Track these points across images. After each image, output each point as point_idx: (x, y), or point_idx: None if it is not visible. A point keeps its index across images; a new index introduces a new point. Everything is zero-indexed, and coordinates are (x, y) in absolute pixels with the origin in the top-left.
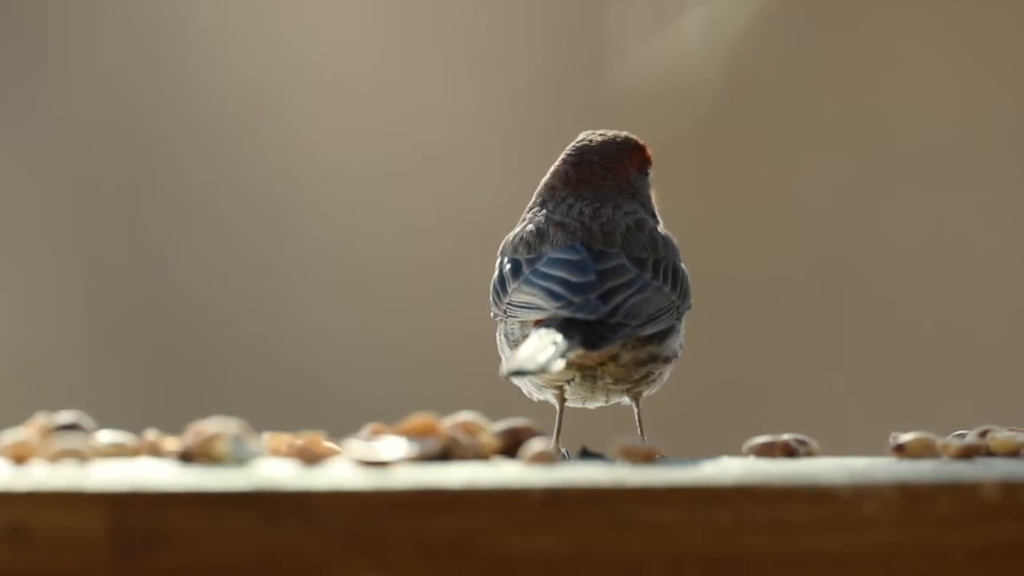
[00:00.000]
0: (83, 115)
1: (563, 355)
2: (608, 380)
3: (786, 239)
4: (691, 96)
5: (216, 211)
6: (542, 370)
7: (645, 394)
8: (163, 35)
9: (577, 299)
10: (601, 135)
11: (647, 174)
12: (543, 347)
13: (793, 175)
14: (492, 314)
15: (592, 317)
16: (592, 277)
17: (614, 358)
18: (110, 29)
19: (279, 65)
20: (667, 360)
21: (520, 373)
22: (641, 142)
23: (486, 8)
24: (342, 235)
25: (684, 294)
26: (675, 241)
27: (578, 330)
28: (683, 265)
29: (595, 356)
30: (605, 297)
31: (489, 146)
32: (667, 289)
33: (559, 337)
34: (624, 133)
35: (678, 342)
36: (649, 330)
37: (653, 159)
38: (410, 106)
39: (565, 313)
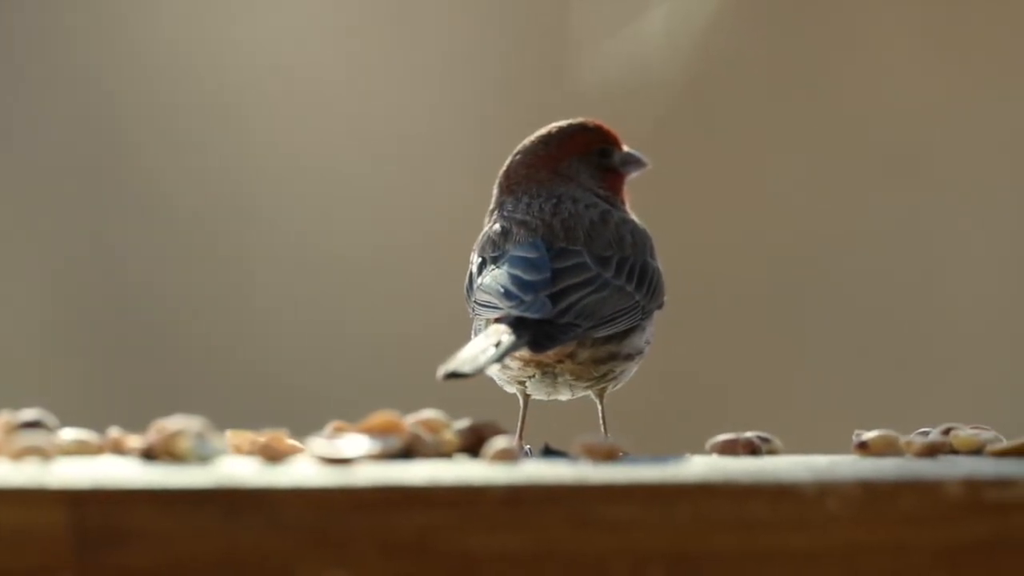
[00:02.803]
0: (45, 112)
1: (501, 357)
2: (568, 377)
3: (749, 237)
4: (655, 93)
5: (178, 207)
6: (478, 372)
7: (609, 390)
8: (128, 32)
9: (528, 298)
10: (545, 130)
11: (602, 154)
12: (484, 348)
13: (757, 173)
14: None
15: (538, 316)
16: (546, 275)
17: (571, 356)
18: (74, 26)
19: (243, 63)
20: (629, 357)
21: (456, 375)
22: (581, 124)
23: (450, 5)
24: (303, 232)
25: (652, 293)
26: (648, 233)
27: (527, 330)
28: (655, 261)
29: (551, 355)
30: (558, 296)
31: (453, 143)
32: (630, 288)
33: (504, 338)
34: (567, 121)
35: (643, 339)
36: (603, 332)
37: (609, 138)
38: (375, 103)
39: (516, 312)
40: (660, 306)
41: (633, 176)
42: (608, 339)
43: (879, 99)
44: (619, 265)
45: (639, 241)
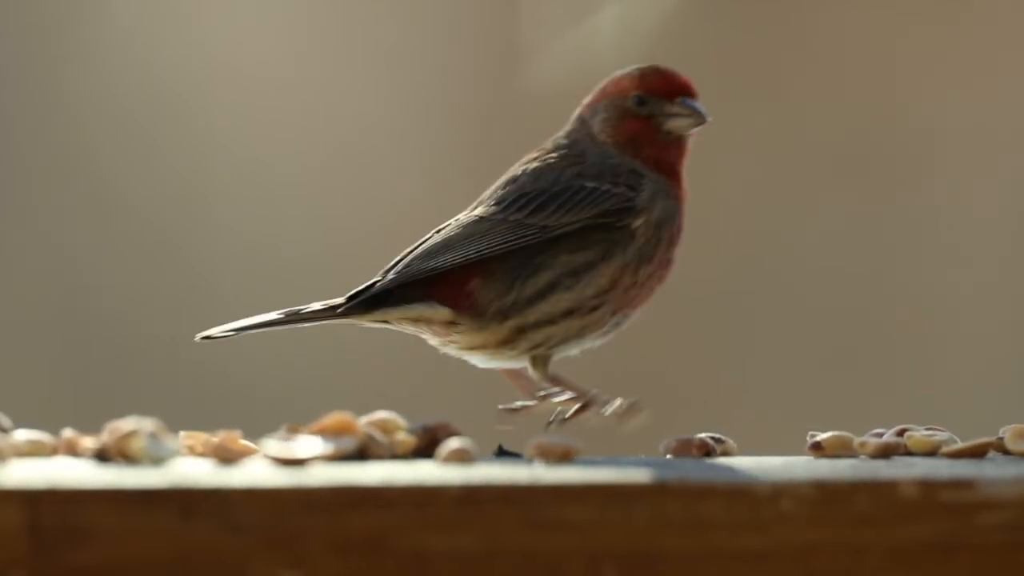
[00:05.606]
0: None
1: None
2: (481, 355)
3: (700, 237)
4: None
5: (130, 207)
6: (233, 334)
7: (555, 350)
8: (78, 30)
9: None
10: None
11: (639, 101)
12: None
13: (706, 174)
14: None
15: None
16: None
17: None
18: (23, 23)
19: (195, 63)
20: (552, 322)
21: (209, 338)
22: (634, 68)
23: (400, 4)
24: (255, 231)
25: (566, 209)
26: (606, 162)
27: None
28: (592, 181)
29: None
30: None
31: (404, 143)
32: (519, 217)
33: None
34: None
35: (569, 298)
36: (436, 262)
37: (652, 86)
38: (325, 102)
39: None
40: (589, 219)
41: (684, 131)
42: (519, 312)
43: (830, 98)
44: (515, 200)
45: (565, 174)
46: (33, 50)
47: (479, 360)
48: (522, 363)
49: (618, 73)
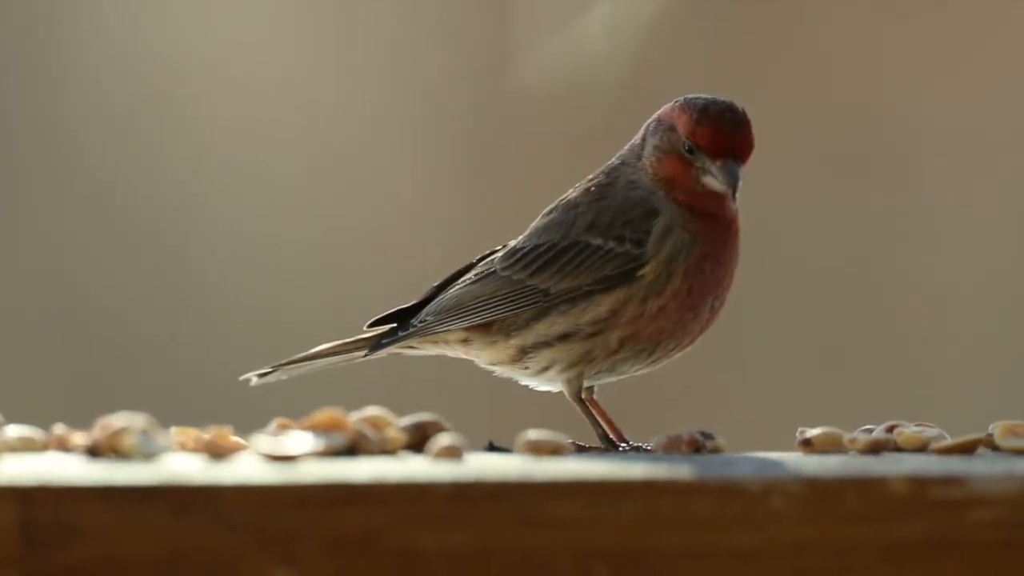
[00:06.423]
0: None
1: (318, 357)
2: (496, 368)
3: None
4: (596, 92)
5: (121, 205)
6: (276, 369)
7: (586, 376)
8: (70, 31)
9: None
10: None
11: (688, 149)
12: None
13: None
14: None
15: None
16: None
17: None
18: (15, 23)
19: (190, 65)
20: (546, 344)
21: (262, 375)
22: (702, 110)
23: (393, 5)
24: (247, 229)
25: (561, 275)
26: (627, 204)
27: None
28: (596, 239)
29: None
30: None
31: (396, 143)
32: (520, 276)
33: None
34: (713, 97)
35: (562, 325)
36: (456, 324)
37: (708, 144)
38: (316, 102)
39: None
40: (580, 288)
41: (716, 190)
42: (506, 330)
43: (822, 98)
44: (521, 258)
45: (579, 221)
46: (32, 52)
47: (527, 380)
48: (552, 385)
49: (688, 99)
